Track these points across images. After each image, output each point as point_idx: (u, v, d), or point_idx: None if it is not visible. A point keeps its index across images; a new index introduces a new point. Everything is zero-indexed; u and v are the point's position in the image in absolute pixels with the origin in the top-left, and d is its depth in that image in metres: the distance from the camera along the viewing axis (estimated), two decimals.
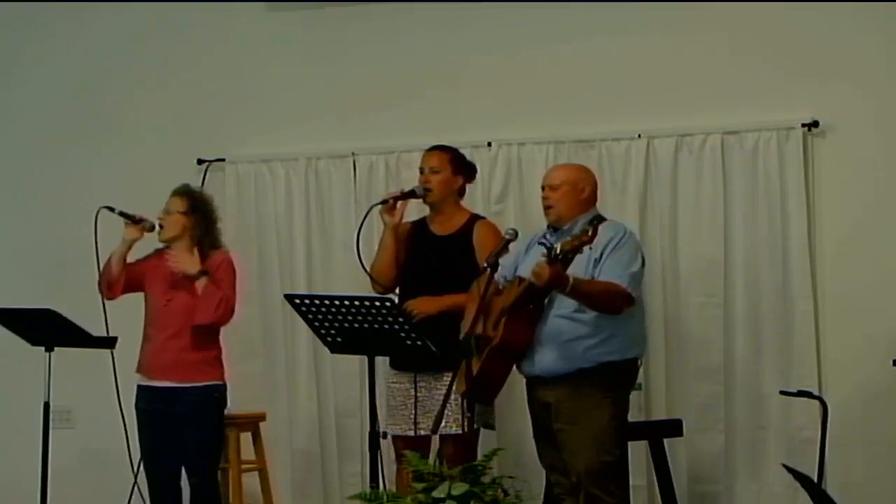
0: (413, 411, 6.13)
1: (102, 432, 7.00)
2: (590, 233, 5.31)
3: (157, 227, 6.30)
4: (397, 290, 6.29)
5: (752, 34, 6.73)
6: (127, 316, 6.35)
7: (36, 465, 6.34)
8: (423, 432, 6.06)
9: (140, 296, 6.36)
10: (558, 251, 5.36)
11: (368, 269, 6.30)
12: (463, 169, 6.35)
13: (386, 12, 7.16)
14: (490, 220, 6.42)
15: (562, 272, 5.42)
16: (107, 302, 6.36)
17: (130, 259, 6.34)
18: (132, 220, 6.32)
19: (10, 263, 7.62)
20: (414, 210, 6.50)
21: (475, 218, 6.32)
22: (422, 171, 6.32)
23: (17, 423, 7.09)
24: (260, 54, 7.39)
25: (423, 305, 6.05)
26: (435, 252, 6.24)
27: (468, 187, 6.43)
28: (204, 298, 6.17)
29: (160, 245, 6.36)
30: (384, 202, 6.29)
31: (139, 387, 6.30)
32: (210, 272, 6.20)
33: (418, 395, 6.12)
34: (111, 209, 6.32)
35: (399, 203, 6.28)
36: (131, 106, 7.51)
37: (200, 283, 6.18)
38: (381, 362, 6.16)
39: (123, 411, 6.52)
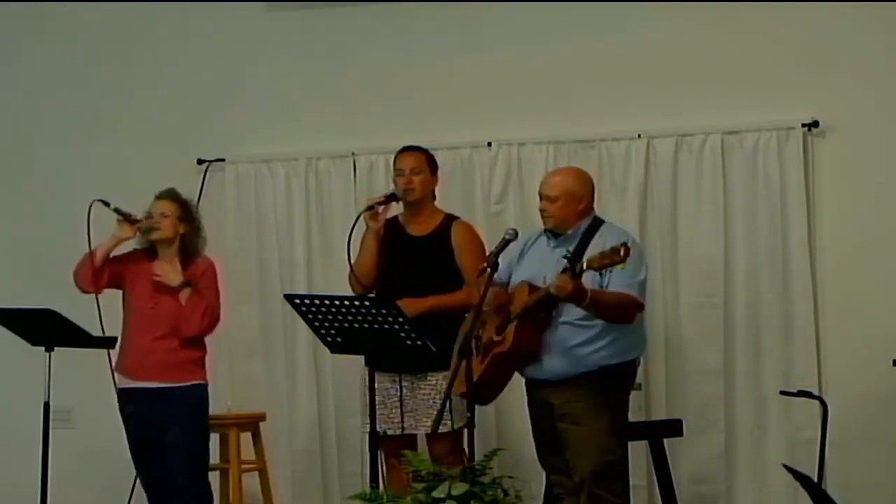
0: (392, 410, 6.13)
1: (102, 432, 6.98)
2: (621, 253, 5.31)
3: (152, 228, 6.25)
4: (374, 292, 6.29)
5: (753, 34, 6.73)
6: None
7: (36, 466, 6.32)
8: (407, 431, 6.12)
9: None
10: (584, 266, 5.39)
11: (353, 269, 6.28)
12: (436, 169, 6.37)
13: (386, 12, 7.16)
14: (466, 220, 6.40)
15: (583, 287, 5.46)
16: (101, 301, 6.30)
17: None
18: (127, 217, 6.27)
19: (10, 263, 7.60)
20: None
21: (451, 218, 6.32)
22: (401, 172, 6.29)
23: (17, 423, 7.08)
24: (259, 54, 7.38)
25: (405, 307, 6.02)
26: (414, 253, 6.24)
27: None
28: (188, 310, 6.15)
29: (139, 244, 6.32)
30: (370, 208, 6.28)
31: (122, 390, 6.26)
32: (193, 282, 6.19)
33: (402, 394, 6.13)
34: (106, 203, 6.24)
35: (382, 207, 6.29)
36: (131, 106, 7.50)
37: (184, 295, 6.17)
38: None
39: None
